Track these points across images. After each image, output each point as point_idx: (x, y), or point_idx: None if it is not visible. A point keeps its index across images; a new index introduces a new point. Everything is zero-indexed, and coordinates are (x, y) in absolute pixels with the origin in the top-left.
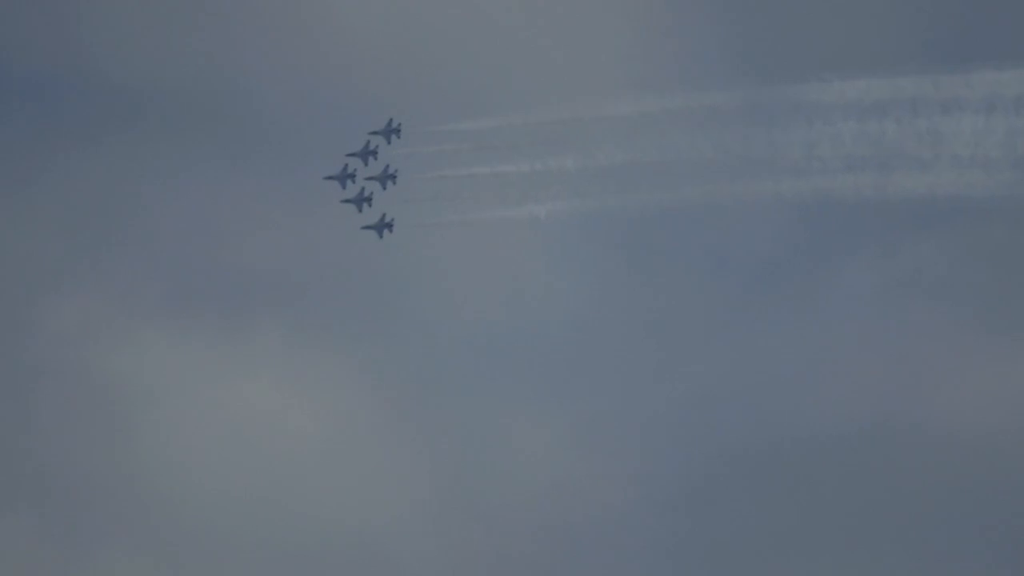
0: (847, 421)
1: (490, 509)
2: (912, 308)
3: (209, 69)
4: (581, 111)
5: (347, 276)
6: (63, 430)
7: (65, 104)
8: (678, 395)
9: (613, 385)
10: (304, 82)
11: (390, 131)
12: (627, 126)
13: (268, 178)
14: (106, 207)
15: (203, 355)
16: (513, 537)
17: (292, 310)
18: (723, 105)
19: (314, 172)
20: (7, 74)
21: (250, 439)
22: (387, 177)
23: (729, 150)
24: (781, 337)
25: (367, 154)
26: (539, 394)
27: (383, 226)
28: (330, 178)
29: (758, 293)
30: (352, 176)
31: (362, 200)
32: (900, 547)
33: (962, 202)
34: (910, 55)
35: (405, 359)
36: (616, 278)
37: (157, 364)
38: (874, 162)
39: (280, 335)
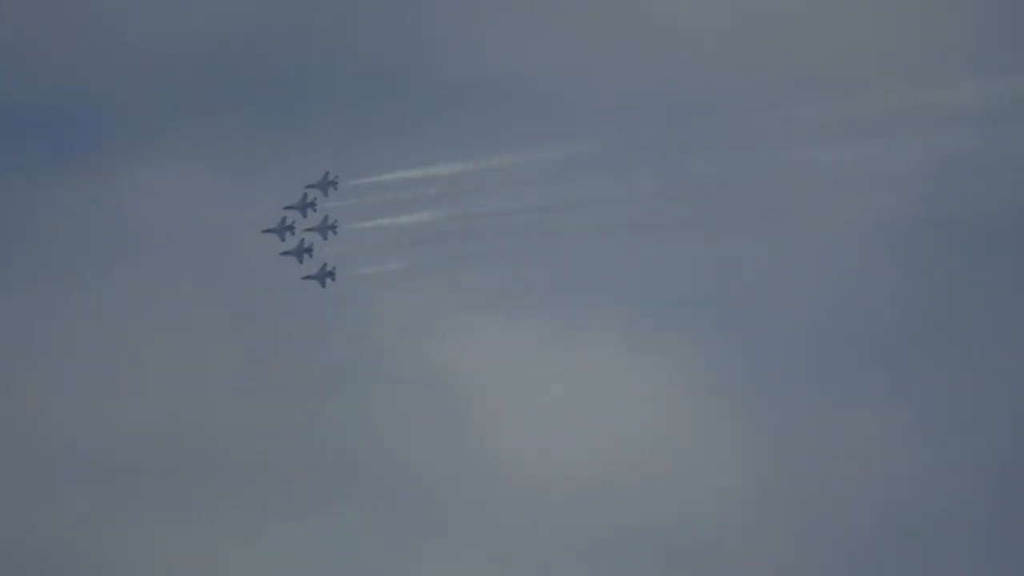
0: None
1: (822, 504)
2: None
3: None
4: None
5: (675, 274)
6: (400, 421)
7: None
8: (1009, 389)
9: (944, 380)
10: None
11: (327, 183)
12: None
13: None
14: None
15: (536, 346)
16: (846, 531)
17: (624, 304)
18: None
19: None
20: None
21: (582, 430)
22: (327, 228)
23: None
24: None
25: (304, 207)
26: (870, 390)
27: (324, 275)
28: (269, 231)
29: None
30: (291, 228)
31: (302, 251)
32: None
33: None
34: None
35: (736, 355)
36: (943, 275)
37: (491, 355)
38: None
39: (613, 328)
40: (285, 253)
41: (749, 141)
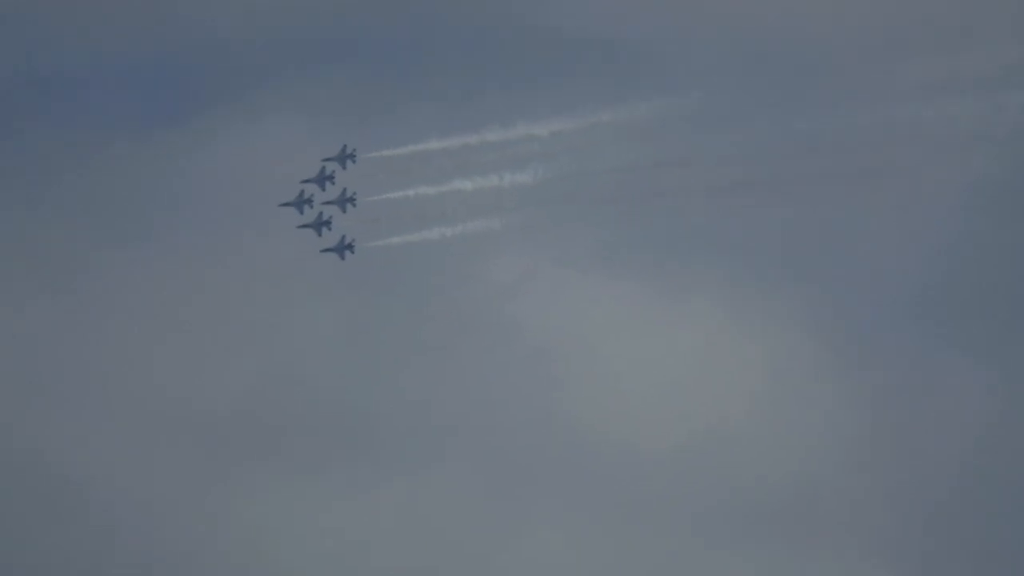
0: None
1: (920, 454)
2: None
3: None
4: None
5: (772, 233)
6: (494, 382)
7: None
8: None
9: None
10: None
11: (344, 157)
12: None
13: None
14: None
15: (631, 307)
16: (942, 482)
17: (720, 263)
18: None
19: None
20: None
21: (678, 390)
22: (345, 200)
23: None
24: None
25: (323, 180)
26: (964, 347)
27: (343, 248)
28: (286, 204)
29: None
30: (309, 201)
31: (320, 224)
32: None
33: None
34: None
35: (833, 314)
36: None
37: (592, 314)
38: None
39: (709, 287)
40: (303, 226)
41: (851, 99)
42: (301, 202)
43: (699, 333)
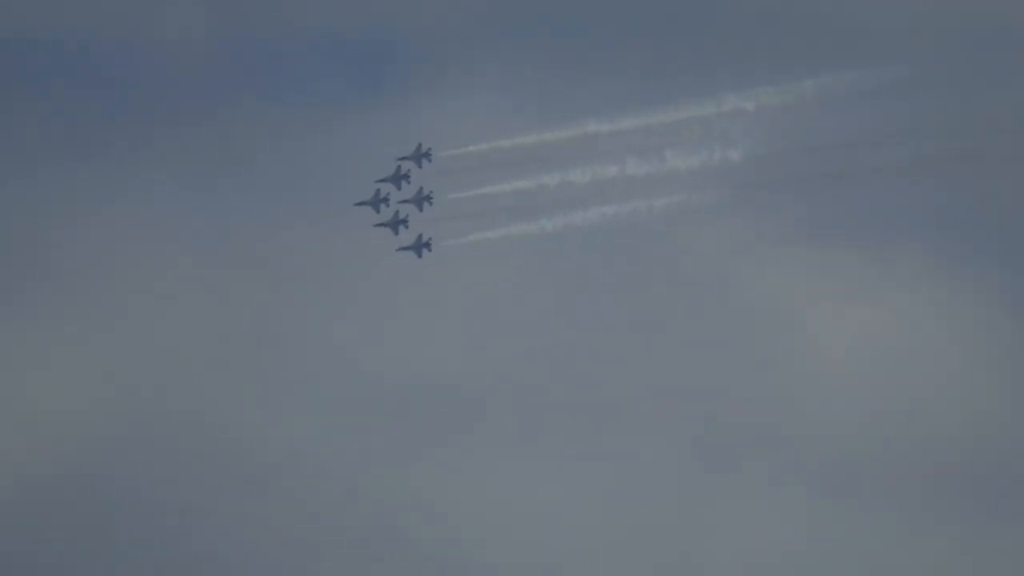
0: None
1: None
2: None
3: None
4: None
5: (975, 208)
6: (704, 353)
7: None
8: None
9: None
10: None
11: (420, 155)
12: None
13: None
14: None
15: (842, 280)
16: None
17: (931, 237)
18: None
19: None
20: None
21: (889, 359)
22: (422, 199)
23: None
24: None
25: (399, 179)
26: None
27: (421, 246)
28: (362, 203)
29: None
30: (385, 200)
31: (397, 223)
32: None
33: None
34: None
35: None
36: None
37: (797, 286)
38: None
39: (919, 260)
40: (380, 225)
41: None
42: (377, 201)
43: (901, 307)
